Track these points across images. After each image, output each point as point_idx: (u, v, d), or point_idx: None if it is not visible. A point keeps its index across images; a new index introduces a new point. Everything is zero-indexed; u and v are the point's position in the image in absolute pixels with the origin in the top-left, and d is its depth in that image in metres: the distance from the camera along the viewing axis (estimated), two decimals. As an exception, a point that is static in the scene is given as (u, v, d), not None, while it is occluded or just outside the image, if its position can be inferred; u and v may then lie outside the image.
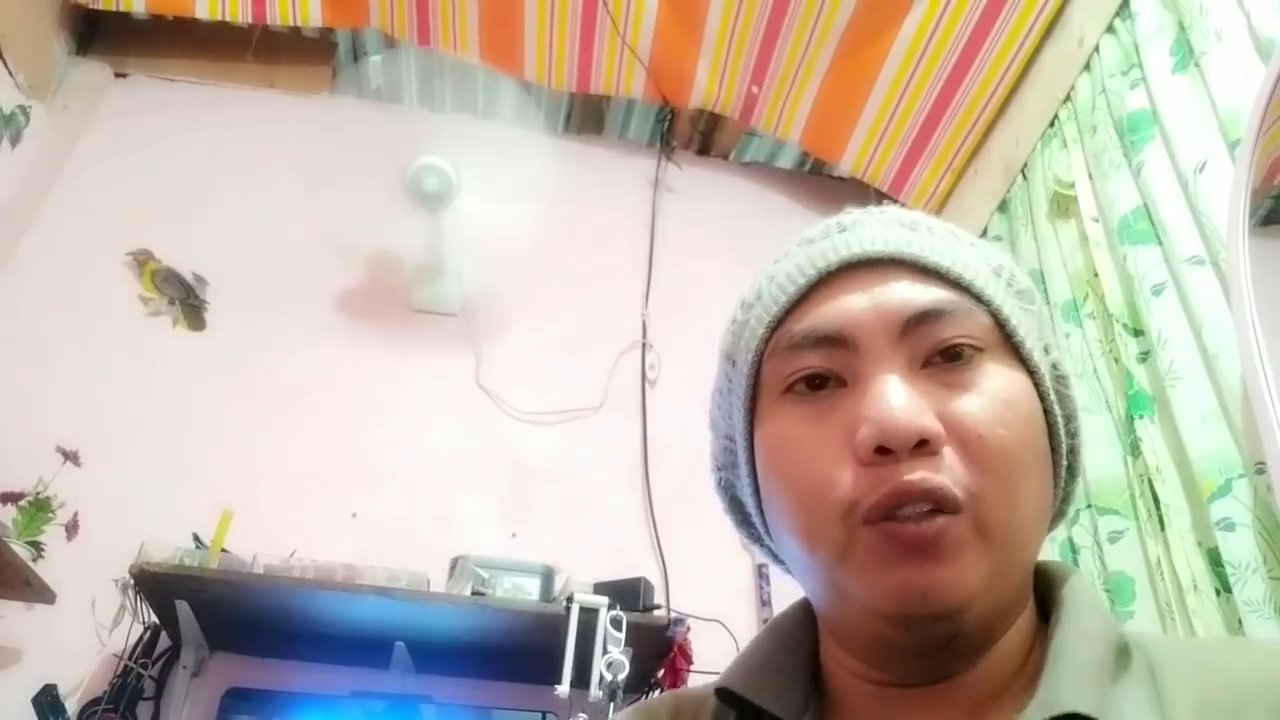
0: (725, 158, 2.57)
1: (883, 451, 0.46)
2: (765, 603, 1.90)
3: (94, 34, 2.33)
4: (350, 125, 2.22)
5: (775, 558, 0.59)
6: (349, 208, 2.05)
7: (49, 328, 1.95)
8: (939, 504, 0.45)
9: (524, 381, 2.11)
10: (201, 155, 2.24)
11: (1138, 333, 1.39)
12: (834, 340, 0.50)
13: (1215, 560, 1.16)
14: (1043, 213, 1.72)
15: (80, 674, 1.61)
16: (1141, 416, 1.32)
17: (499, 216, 1.99)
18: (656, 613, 1.63)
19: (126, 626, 1.64)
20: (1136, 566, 1.31)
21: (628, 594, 1.60)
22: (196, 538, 1.71)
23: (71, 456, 1.83)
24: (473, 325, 2.17)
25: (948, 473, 0.46)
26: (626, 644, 1.50)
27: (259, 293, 2.10)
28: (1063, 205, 1.67)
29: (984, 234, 1.99)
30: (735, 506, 0.61)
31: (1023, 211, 1.83)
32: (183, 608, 1.57)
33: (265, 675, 1.70)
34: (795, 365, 0.51)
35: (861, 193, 2.30)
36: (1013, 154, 1.92)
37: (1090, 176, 1.60)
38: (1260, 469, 1.10)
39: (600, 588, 1.61)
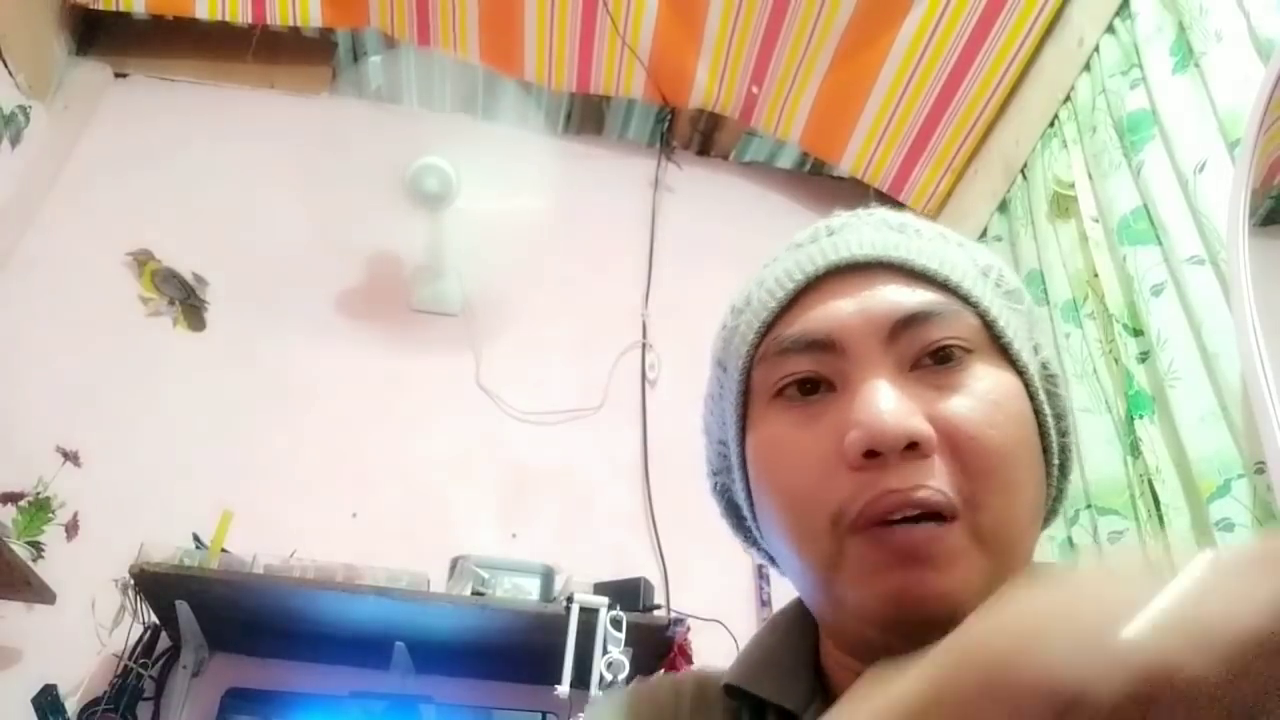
0: (725, 158, 2.57)
1: (872, 455, 0.46)
2: (765, 603, 1.91)
3: (94, 34, 2.33)
4: (350, 125, 2.21)
5: (772, 561, 0.59)
6: (349, 208, 2.05)
7: (49, 328, 1.95)
8: (931, 510, 0.45)
9: (524, 381, 2.11)
10: (201, 155, 2.24)
11: (1137, 333, 1.39)
12: (823, 345, 0.50)
13: (1215, 560, 1.16)
14: (1043, 213, 1.72)
15: (80, 674, 1.61)
16: (1141, 417, 1.32)
17: (499, 216, 1.99)
18: (656, 613, 1.63)
19: (126, 626, 1.64)
20: (1136, 566, 1.31)
21: (628, 594, 1.60)
22: (196, 538, 1.71)
23: (71, 456, 1.83)
24: (473, 325, 2.17)
25: (939, 477, 0.46)
26: (626, 644, 1.50)
27: (259, 293, 2.10)
28: (1063, 205, 1.67)
29: (984, 234, 1.99)
30: (731, 511, 0.61)
31: (1023, 212, 1.83)
32: (183, 608, 1.57)
33: (265, 675, 1.70)
34: (785, 370, 0.51)
35: (861, 193, 2.30)
36: (1013, 154, 1.92)
37: (1090, 176, 1.60)
38: (1260, 469, 1.10)
39: (600, 588, 1.61)
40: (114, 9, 2.18)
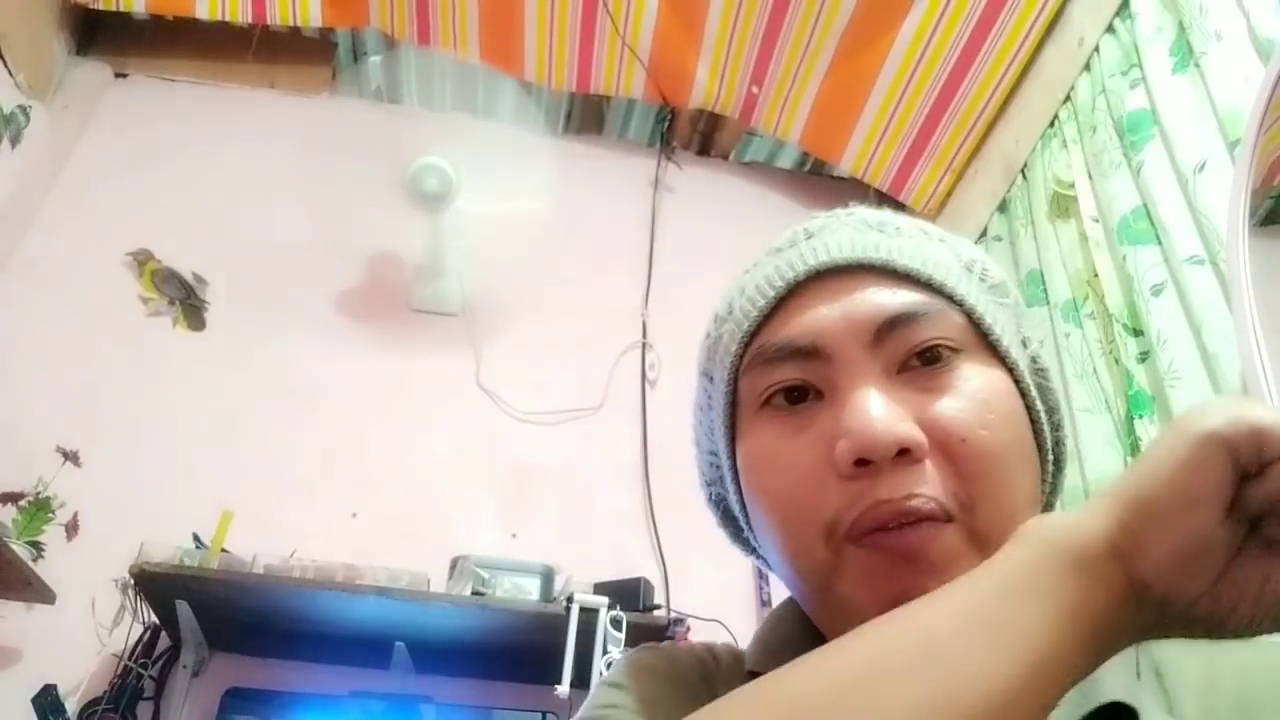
0: (725, 158, 2.57)
1: (862, 464, 0.45)
2: (765, 602, 1.91)
3: (94, 34, 2.33)
4: (350, 125, 2.22)
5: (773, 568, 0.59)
6: (349, 208, 2.05)
7: (49, 328, 1.95)
8: (925, 519, 0.45)
9: (524, 381, 2.11)
10: (201, 155, 2.24)
11: (1137, 333, 1.39)
12: (807, 352, 0.49)
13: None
14: (1043, 213, 1.72)
15: (80, 674, 1.61)
16: (1141, 417, 1.32)
17: (499, 216, 1.99)
18: (656, 613, 1.63)
19: (126, 626, 1.64)
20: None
21: (628, 594, 1.60)
22: (196, 538, 1.71)
23: (71, 456, 1.83)
24: (473, 325, 2.17)
25: (931, 482, 0.45)
26: (626, 644, 1.50)
27: (259, 293, 2.10)
28: (1063, 205, 1.67)
29: (984, 234, 1.99)
30: (728, 521, 0.61)
31: (1023, 212, 1.83)
32: (183, 608, 1.57)
33: (265, 675, 1.70)
34: (770, 379, 0.50)
35: (862, 193, 2.30)
36: (1013, 154, 1.92)
37: (1090, 176, 1.60)
38: (1260, 469, 1.10)
39: (600, 588, 1.61)
40: (114, 9, 2.18)
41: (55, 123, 2.16)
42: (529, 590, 1.65)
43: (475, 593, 1.60)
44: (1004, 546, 0.39)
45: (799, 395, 0.50)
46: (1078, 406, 1.46)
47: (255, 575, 1.57)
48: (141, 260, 2.05)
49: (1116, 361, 1.43)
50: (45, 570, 1.63)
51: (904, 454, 0.45)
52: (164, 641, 1.68)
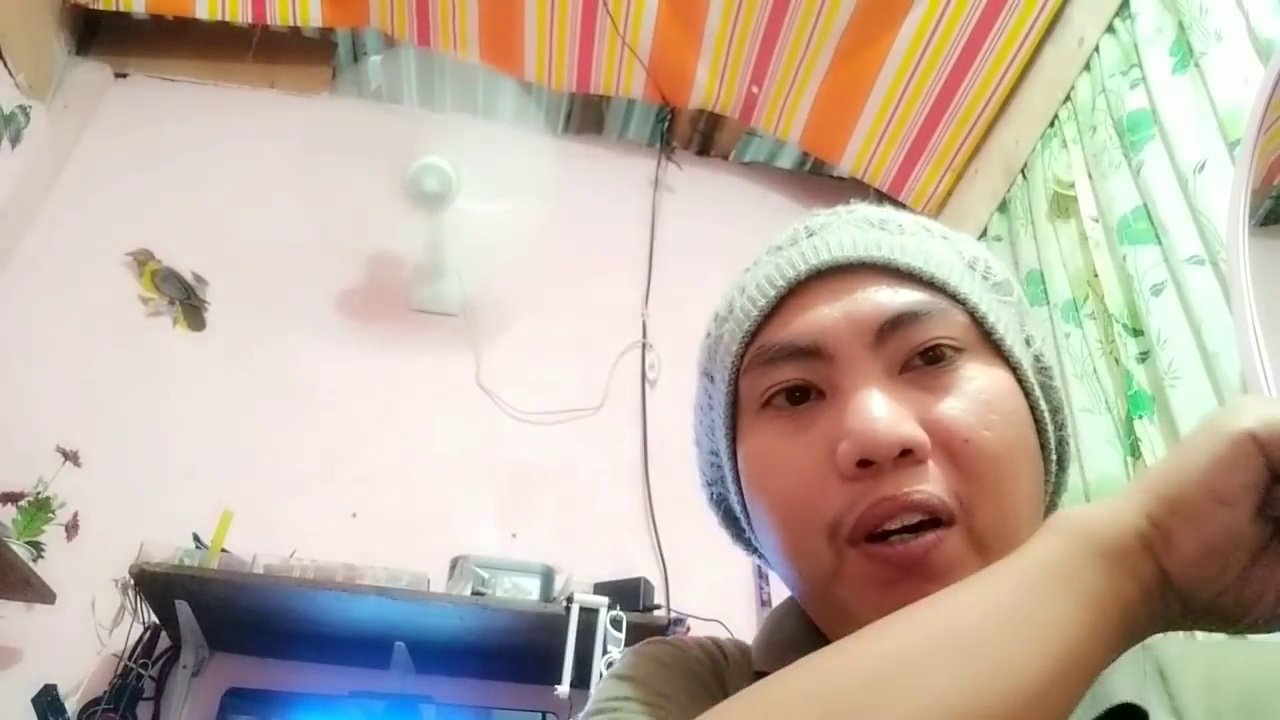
0: (725, 158, 2.57)
1: (865, 464, 0.45)
2: (765, 602, 1.91)
3: (94, 34, 2.33)
4: (350, 125, 2.21)
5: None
6: (349, 208, 2.05)
7: (49, 328, 1.95)
8: (929, 514, 0.44)
9: (524, 381, 2.11)
10: (202, 155, 2.24)
11: (1137, 333, 1.39)
12: (809, 352, 0.49)
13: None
14: (1043, 213, 1.72)
15: (80, 674, 1.61)
16: (1141, 417, 1.32)
17: (499, 216, 1.99)
18: (656, 613, 1.63)
19: (126, 626, 1.64)
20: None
21: (628, 594, 1.60)
22: (196, 538, 1.71)
23: (71, 456, 1.83)
24: (473, 325, 2.17)
25: (934, 482, 0.45)
26: (626, 644, 1.49)
27: (259, 293, 2.10)
28: (1063, 205, 1.67)
29: (984, 234, 1.99)
30: (729, 520, 0.60)
31: (1023, 211, 1.83)
32: (183, 608, 1.57)
33: (265, 675, 1.70)
34: (772, 379, 0.50)
35: (861, 193, 2.29)
36: (1013, 154, 1.92)
37: (1090, 176, 1.60)
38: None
39: (600, 588, 1.61)
40: (114, 9, 2.18)
41: (55, 123, 2.16)
42: (529, 590, 1.65)
43: (475, 593, 1.60)
44: (1034, 536, 0.39)
45: (800, 395, 0.49)
46: (1078, 406, 1.46)
47: (255, 575, 1.57)
48: (141, 260, 2.05)
49: (1116, 361, 1.43)
50: (45, 570, 1.63)
51: (906, 454, 0.45)
52: (164, 641, 1.68)
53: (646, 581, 1.66)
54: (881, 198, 2.25)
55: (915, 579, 0.44)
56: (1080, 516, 0.39)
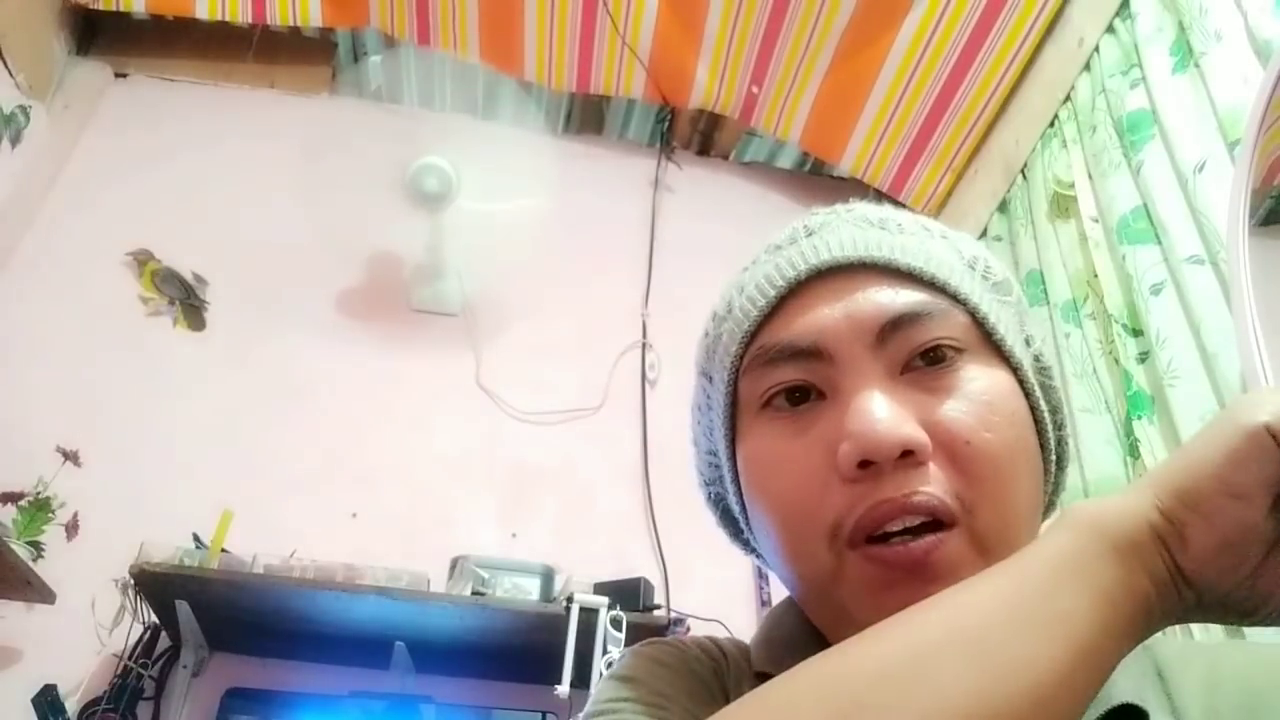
0: (725, 158, 2.57)
1: (866, 466, 0.45)
2: (765, 602, 1.91)
3: (94, 34, 2.33)
4: (350, 125, 2.21)
5: None
6: (349, 208, 2.05)
7: (49, 328, 1.95)
8: (929, 515, 0.44)
9: (524, 381, 2.11)
10: (201, 155, 2.24)
11: (1137, 333, 1.39)
12: (809, 353, 0.49)
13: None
14: (1043, 213, 1.72)
15: (80, 674, 1.61)
16: (1141, 417, 1.32)
17: (499, 216, 1.99)
18: (656, 613, 1.63)
19: (126, 626, 1.64)
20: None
21: (628, 594, 1.60)
22: (196, 538, 1.71)
23: (71, 456, 1.83)
24: (473, 325, 2.17)
25: (936, 483, 0.45)
26: (626, 644, 1.49)
27: (259, 293, 2.10)
28: (1062, 205, 1.67)
29: (984, 234, 1.99)
30: (728, 520, 0.60)
31: (1023, 211, 1.83)
32: (183, 608, 1.57)
33: (265, 675, 1.70)
34: (772, 380, 0.50)
35: (861, 193, 2.29)
36: (1013, 154, 1.92)
37: (1090, 176, 1.60)
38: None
39: (600, 588, 1.61)
40: (114, 9, 2.18)
41: (55, 123, 2.16)
42: (529, 590, 1.65)
43: (475, 593, 1.60)
44: (1046, 530, 0.39)
45: (801, 396, 0.49)
46: (1077, 406, 1.46)
47: (255, 575, 1.57)
48: (141, 260, 2.05)
49: (1116, 361, 1.43)
50: (45, 570, 1.63)
51: (907, 456, 0.45)
52: (164, 641, 1.68)
53: (646, 581, 1.66)
54: (881, 198, 2.24)
55: (916, 581, 0.44)
56: (1093, 510, 0.39)
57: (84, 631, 1.66)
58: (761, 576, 1.94)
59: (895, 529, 0.45)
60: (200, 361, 2.00)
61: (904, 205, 2.20)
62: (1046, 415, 0.51)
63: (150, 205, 2.14)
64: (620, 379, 2.16)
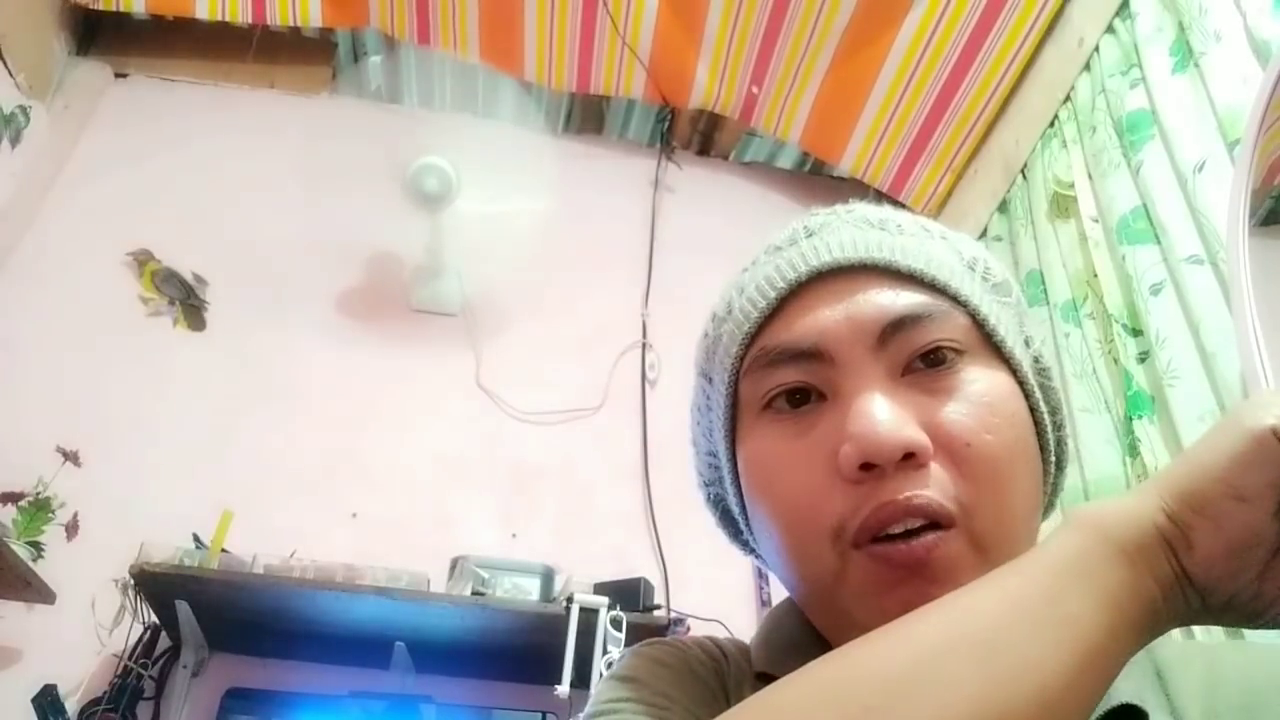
0: (725, 158, 2.57)
1: (867, 468, 0.45)
2: (765, 603, 1.91)
3: (94, 34, 2.33)
4: (350, 125, 2.22)
5: None
6: (349, 208, 2.05)
7: (49, 328, 1.95)
8: (929, 518, 0.44)
9: (524, 381, 2.11)
10: (201, 155, 2.24)
11: (1136, 332, 1.39)
12: (810, 355, 0.49)
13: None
14: (1042, 213, 1.72)
15: (80, 674, 1.61)
16: (1140, 417, 1.32)
17: (499, 216, 1.99)
18: (656, 613, 1.63)
19: (126, 626, 1.64)
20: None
21: (628, 594, 1.60)
22: (196, 538, 1.71)
23: (71, 456, 1.83)
24: (473, 325, 2.17)
25: (936, 485, 0.45)
26: (626, 644, 1.50)
27: (259, 293, 2.10)
28: (1062, 205, 1.67)
29: (984, 234, 1.98)
30: (727, 521, 0.60)
31: (1022, 212, 1.83)
32: (183, 608, 1.57)
33: (265, 675, 1.70)
34: (772, 382, 0.50)
35: (861, 193, 2.29)
36: (1013, 154, 1.92)
37: (1090, 176, 1.60)
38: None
39: (600, 588, 1.61)
40: (114, 9, 2.18)
41: (55, 123, 2.16)
42: (529, 590, 1.65)
43: (475, 593, 1.60)
44: (1052, 533, 0.39)
45: (801, 398, 0.49)
46: (1077, 406, 1.46)
47: (255, 575, 1.57)
48: (141, 260, 2.05)
49: (1116, 361, 1.43)
50: (45, 570, 1.63)
51: (909, 458, 0.45)
52: (164, 641, 1.68)
53: (646, 581, 1.66)
54: (881, 198, 2.25)
55: (918, 580, 0.44)
56: (1099, 512, 0.39)
57: (84, 631, 1.66)
58: (761, 577, 1.94)
59: (896, 531, 0.45)
60: (200, 361, 2.00)
61: (904, 205, 2.20)
62: (1046, 416, 0.51)
63: (150, 205, 2.14)
64: (620, 379, 2.16)
